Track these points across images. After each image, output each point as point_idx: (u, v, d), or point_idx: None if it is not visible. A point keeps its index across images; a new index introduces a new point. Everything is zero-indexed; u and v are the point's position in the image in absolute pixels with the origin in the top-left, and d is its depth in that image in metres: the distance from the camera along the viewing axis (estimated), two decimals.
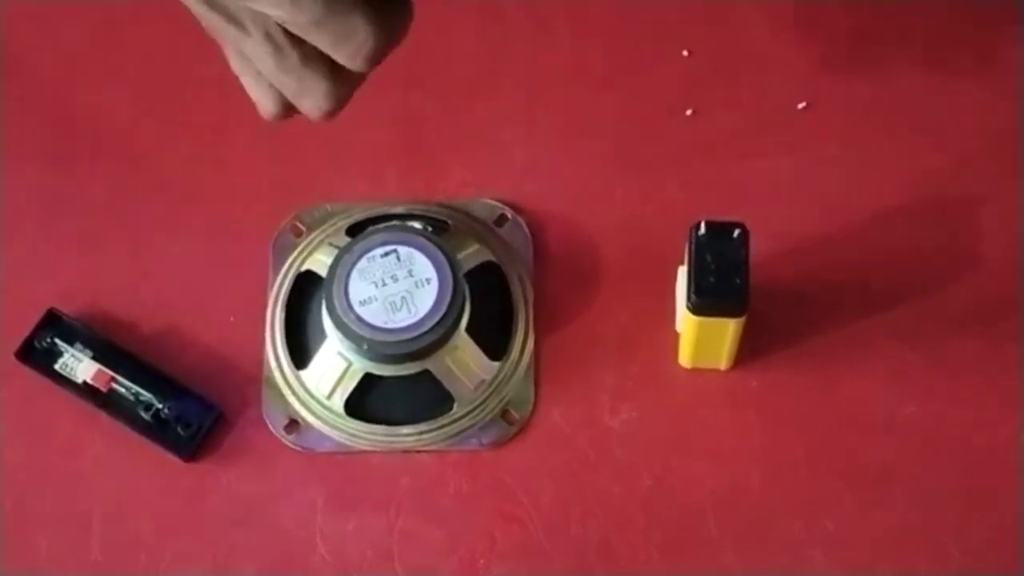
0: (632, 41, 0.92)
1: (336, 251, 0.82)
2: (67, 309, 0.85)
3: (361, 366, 0.82)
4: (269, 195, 0.89)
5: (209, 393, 0.84)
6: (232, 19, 0.62)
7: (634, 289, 0.86)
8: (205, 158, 0.90)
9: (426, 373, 0.82)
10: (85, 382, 0.83)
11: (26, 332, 0.84)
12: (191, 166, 0.89)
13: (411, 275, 0.81)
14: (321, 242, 0.86)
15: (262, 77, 0.65)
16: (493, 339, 0.84)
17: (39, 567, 0.81)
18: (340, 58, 0.62)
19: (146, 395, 0.83)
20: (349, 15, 0.60)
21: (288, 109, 0.66)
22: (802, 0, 0.93)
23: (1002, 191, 0.88)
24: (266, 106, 0.66)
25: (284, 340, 0.85)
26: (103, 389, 0.83)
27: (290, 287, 0.86)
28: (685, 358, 0.84)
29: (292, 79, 0.64)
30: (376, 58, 0.62)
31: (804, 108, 0.90)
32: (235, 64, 0.65)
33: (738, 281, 0.76)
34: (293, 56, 0.63)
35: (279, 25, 0.61)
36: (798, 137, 0.89)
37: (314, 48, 0.62)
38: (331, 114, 0.65)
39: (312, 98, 0.64)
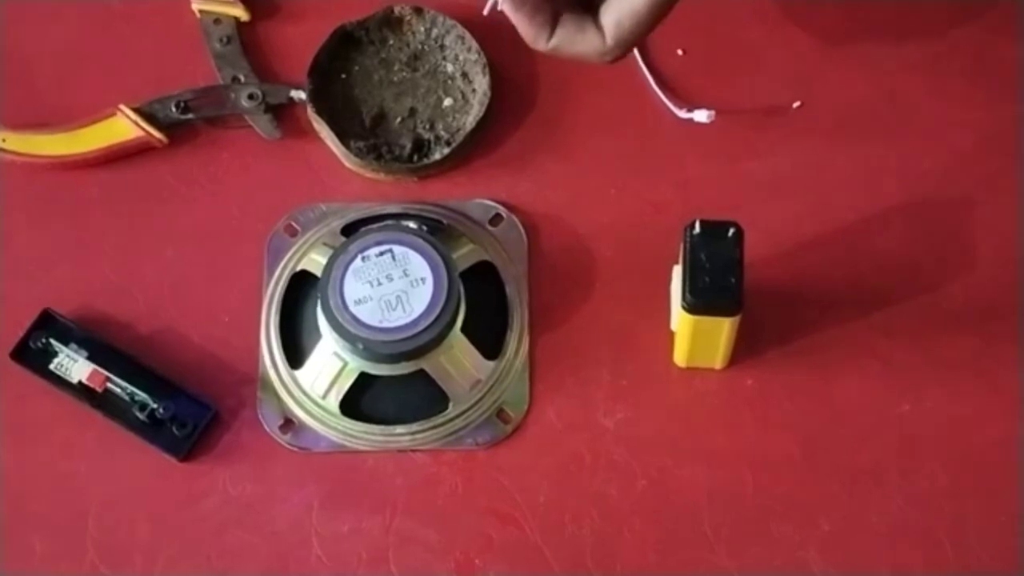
0: None
1: (331, 251, 0.82)
2: (62, 309, 0.85)
3: (356, 366, 0.82)
4: (263, 195, 0.89)
5: (204, 393, 0.84)
6: None
7: (629, 288, 0.86)
8: (199, 158, 0.90)
9: (421, 373, 0.82)
10: (80, 382, 0.83)
11: (21, 332, 0.84)
12: (185, 166, 0.89)
13: (406, 275, 0.81)
14: (316, 242, 0.86)
15: None
16: (488, 338, 0.84)
17: (35, 568, 0.81)
18: None
19: (141, 395, 0.83)
20: None
21: None
22: None
23: (998, 191, 0.88)
24: None
25: (279, 340, 0.85)
26: (98, 389, 0.83)
27: (285, 287, 0.86)
28: (680, 357, 0.84)
29: None
30: None
31: (799, 107, 0.90)
32: None
33: (733, 280, 0.76)
34: None
35: None
36: (793, 136, 0.89)
37: None
38: None
39: None
